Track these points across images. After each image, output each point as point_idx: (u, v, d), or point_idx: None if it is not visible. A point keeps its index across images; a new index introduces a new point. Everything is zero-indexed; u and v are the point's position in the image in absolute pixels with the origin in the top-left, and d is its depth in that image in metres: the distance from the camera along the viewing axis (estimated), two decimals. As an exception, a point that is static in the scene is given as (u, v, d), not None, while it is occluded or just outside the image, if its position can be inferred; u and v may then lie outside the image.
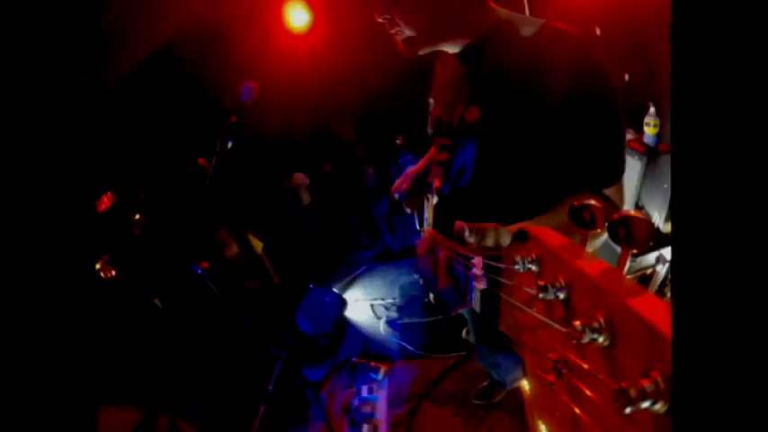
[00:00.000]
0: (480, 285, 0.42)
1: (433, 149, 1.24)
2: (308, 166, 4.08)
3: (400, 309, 2.82)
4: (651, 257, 1.77)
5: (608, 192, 0.73)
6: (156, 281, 2.19)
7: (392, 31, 0.83)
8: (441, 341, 2.38)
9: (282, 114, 3.85)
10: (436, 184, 0.99)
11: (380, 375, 2.35)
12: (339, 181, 4.22)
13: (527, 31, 0.76)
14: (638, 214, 0.25)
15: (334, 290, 3.07)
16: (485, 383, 1.97)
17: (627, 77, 2.13)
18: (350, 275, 3.46)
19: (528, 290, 0.31)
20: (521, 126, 0.72)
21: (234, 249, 3.03)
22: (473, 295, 0.46)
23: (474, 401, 1.96)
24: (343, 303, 3.02)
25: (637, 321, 0.20)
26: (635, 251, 0.25)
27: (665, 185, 1.75)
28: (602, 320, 0.22)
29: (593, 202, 0.28)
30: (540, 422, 0.30)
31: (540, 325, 0.30)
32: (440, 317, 2.56)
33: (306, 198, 4.20)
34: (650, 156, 1.84)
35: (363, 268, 3.58)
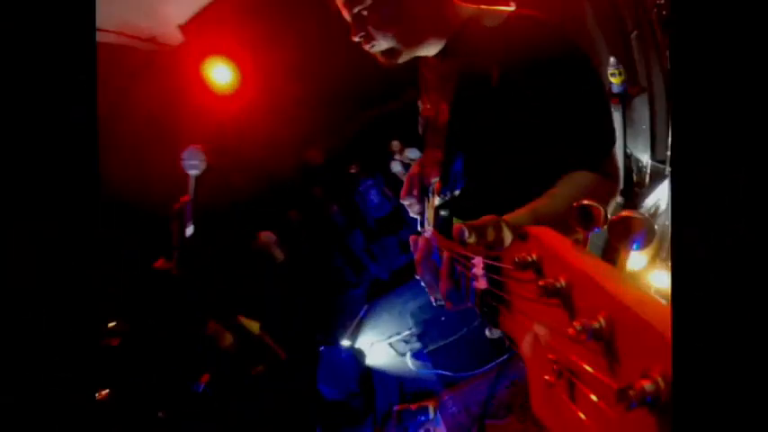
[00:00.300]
0: (480, 285, 0.43)
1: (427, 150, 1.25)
2: (271, 221, 3.86)
3: (420, 337, 2.70)
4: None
5: (604, 165, 0.75)
6: (154, 399, 1.89)
7: (368, 47, 0.86)
8: (475, 355, 2.29)
9: (227, 178, 3.61)
10: (438, 185, 1.00)
11: (431, 414, 2.19)
12: (308, 226, 4.04)
13: (493, 22, 0.80)
14: (639, 214, 0.26)
15: (345, 342, 2.86)
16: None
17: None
18: (353, 321, 3.27)
19: (528, 290, 0.32)
20: (500, 117, 0.75)
21: (229, 339, 2.73)
22: (473, 296, 0.47)
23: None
24: (360, 354, 2.83)
25: (637, 321, 0.20)
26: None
27: (644, 126, 1.83)
28: (602, 320, 0.23)
29: (593, 202, 0.29)
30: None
31: (540, 325, 0.30)
32: (464, 330, 2.45)
33: (279, 254, 3.95)
34: (624, 103, 1.93)
35: (364, 309, 3.41)
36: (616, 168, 0.78)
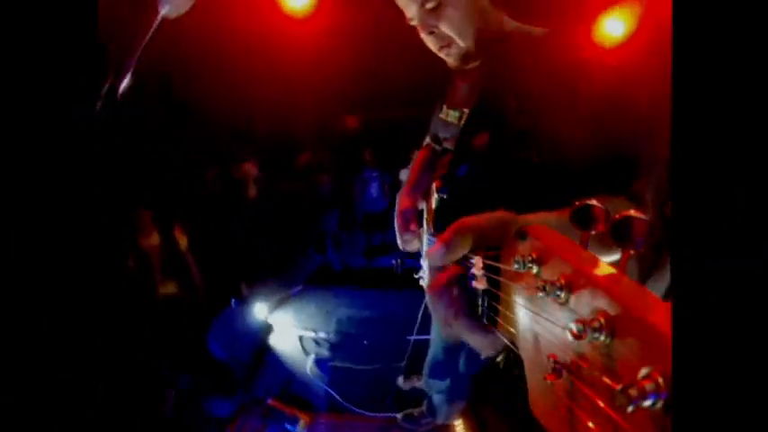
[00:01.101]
0: (480, 285, 0.43)
1: (420, 154, 1.26)
2: (267, 160, 3.64)
3: (333, 347, 2.55)
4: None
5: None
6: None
7: (439, 47, 0.85)
8: (374, 396, 2.19)
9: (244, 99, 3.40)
10: (436, 184, 1.00)
11: (298, 428, 2.02)
12: (292, 182, 3.82)
13: (534, 39, 0.82)
14: (639, 214, 0.26)
15: (260, 309, 2.65)
16: (415, 410, 1.93)
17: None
18: (281, 293, 3.06)
19: (528, 290, 0.31)
20: (530, 134, 0.75)
21: (155, 239, 2.49)
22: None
23: (400, 421, 1.95)
24: (268, 328, 2.63)
25: (637, 321, 0.21)
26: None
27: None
28: (602, 320, 0.23)
29: (594, 202, 0.29)
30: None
31: (540, 325, 0.30)
32: (378, 366, 2.30)
33: (251, 191, 3.72)
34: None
35: (298, 289, 3.20)
36: (649, 191, 0.76)
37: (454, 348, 1.26)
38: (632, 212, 0.26)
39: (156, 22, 1.03)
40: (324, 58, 2.95)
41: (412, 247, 1.14)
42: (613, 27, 2.79)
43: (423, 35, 0.86)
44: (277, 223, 3.77)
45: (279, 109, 3.32)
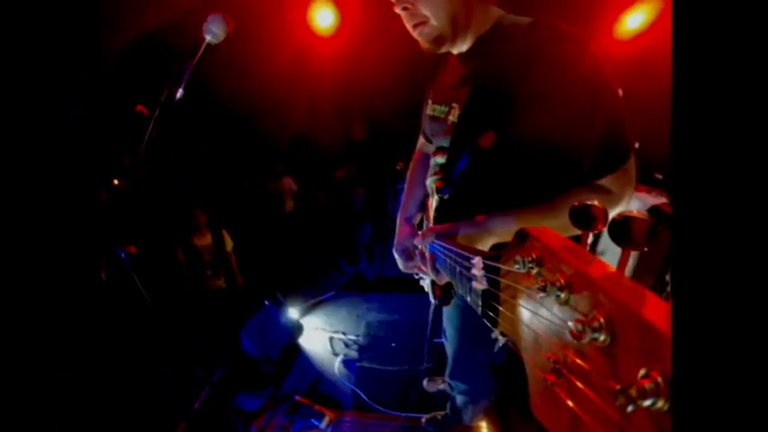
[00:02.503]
0: (480, 285, 0.43)
1: (414, 158, 1.27)
2: (301, 173, 3.83)
3: (362, 349, 2.53)
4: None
5: (607, 181, 0.75)
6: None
7: (413, 24, 0.83)
8: (399, 397, 2.16)
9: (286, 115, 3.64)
10: (437, 184, 0.99)
11: (323, 423, 2.03)
12: (330, 197, 3.96)
13: (520, 28, 0.80)
14: (639, 214, 0.26)
15: (293, 311, 2.72)
16: (439, 413, 1.89)
17: (637, 145, 2.05)
18: (314, 298, 3.12)
19: (528, 290, 0.31)
20: (513, 122, 0.75)
21: (207, 239, 2.69)
22: (472, 295, 0.47)
23: (424, 424, 1.92)
24: (299, 329, 2.70)
25: (637, 321, 0.21)
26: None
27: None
28: (602, 320, 0.23)
29: (594, 202, 0.29)
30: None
31: (540, 325, 0.30)
32: (405, 368, 2.24)
33: (289, 205, 3.90)
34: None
35: (330, 294, 3.25)
36: (621, 186, 0.77)
37: (471, 349, 1.22)
38: (632, 212, 0.26)
39: (202, 49, 1.20)
40: (350, 72, 3.12)
41: (412, 271, 1.14)
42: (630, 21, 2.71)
43: (397, 10, 0.83)
44: (312, 235, 3.90)
45: (308, 123, 3.52)
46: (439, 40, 0.84)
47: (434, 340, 2.41)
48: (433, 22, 0.81)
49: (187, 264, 2.66)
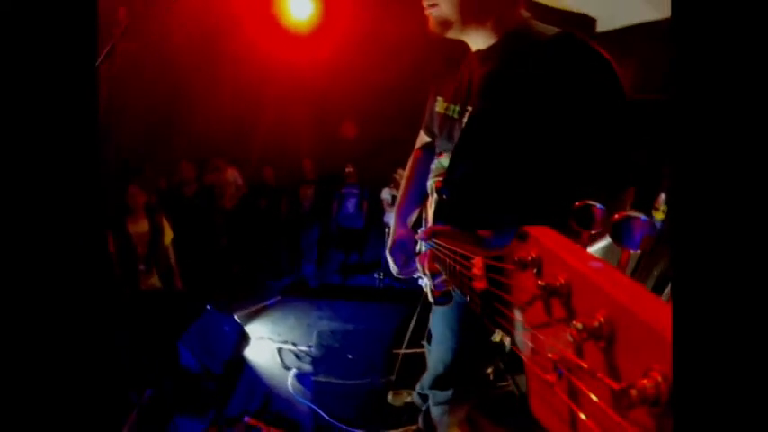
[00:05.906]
0: (480, 285, 0.42)
1: (414, 156, 1.22)
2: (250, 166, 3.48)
3: (315, 362, 2.37)
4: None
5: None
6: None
7: (428, 3, 0.83)
8: (363, 412, 2.04)
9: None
10: (437, 184, 0.98)
11: (281, 448, 1.80)
12: (278, 190, 3.66)
13: (546, 37, 0.80)
14: (639, 214, 0.26)
15: (236, 318, 2.41)
16: (411, 429, 1.83)
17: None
18: (258, 304, 2.83)
19: (528, 290, 0.31)
20: (525, 132, 0.76)
21: (143, 226, 2.23)
22: (471, 295, 0.46)
23: None
24: (245, 338, 2.40)
25: (637, 321, 0.20)
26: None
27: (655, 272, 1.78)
28: (602, 320, 0.23)
29: (594, 202, 0.30)
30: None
31: (540, 325, 0.30)
32: (366, 381, 2.14)
33: (231, 200, 3.49)
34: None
35: (275, 299, 2.98)
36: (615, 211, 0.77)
37: (466, 351, 1.21)
38: (633, 212, 0.26)
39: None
40: (321, 68, 2.94)
41: (408, 275, 1.12)
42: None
43: None
44: (253, 234, 3.55)
45: (274, 116, 3.23)
46: (444, 24, 0.84)
47: (392, 351, 2.35)
48: (442, 6, 0.82)
49: (118, 255, 2.16)
